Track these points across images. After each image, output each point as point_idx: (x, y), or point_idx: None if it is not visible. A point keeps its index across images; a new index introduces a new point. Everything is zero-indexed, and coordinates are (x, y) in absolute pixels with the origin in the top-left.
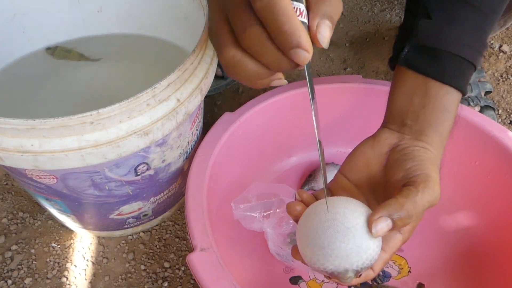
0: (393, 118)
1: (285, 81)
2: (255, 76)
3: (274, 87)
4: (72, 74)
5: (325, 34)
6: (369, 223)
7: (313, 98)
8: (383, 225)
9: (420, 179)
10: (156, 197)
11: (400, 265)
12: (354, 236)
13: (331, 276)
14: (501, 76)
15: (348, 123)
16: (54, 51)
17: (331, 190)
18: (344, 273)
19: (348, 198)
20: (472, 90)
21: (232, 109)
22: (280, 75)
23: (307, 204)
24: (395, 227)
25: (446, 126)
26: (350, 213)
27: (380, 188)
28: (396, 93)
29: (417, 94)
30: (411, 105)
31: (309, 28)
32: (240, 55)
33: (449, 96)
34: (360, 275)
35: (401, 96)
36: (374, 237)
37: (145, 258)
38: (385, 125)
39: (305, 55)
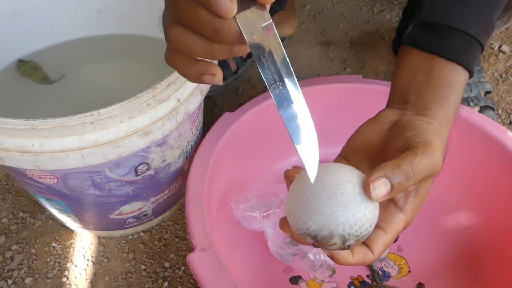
0: (395, 97)
1: (219, 80)
2: (206, 52)
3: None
4: (71, 74)
5: None
6: (366, 186)
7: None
8: (381, 187)
9: (419, 144)
10: (156, 197)
11: (400, 265)
12: (342, 193)
13: (315, 241)
14: (501, 76)
15: (348, 123)
16: (23, 64)
17: None
18: (328, 238)
19: (345, 165)
20: (471, 90)
21: (232, 109)
22: (213, 69)
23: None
24: (393, 190)
25: (452, 103)
26: (343, 173)
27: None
28: (399, 72)
29: (421, 71)
30: (414, 82)
31: None
32: (182, 32)
33: (454, 73)
34: (348, 246)
35: (403, 75)
36: (374, 201)
37: (145, 258)
38: (387, 105)
39: (226, 3)
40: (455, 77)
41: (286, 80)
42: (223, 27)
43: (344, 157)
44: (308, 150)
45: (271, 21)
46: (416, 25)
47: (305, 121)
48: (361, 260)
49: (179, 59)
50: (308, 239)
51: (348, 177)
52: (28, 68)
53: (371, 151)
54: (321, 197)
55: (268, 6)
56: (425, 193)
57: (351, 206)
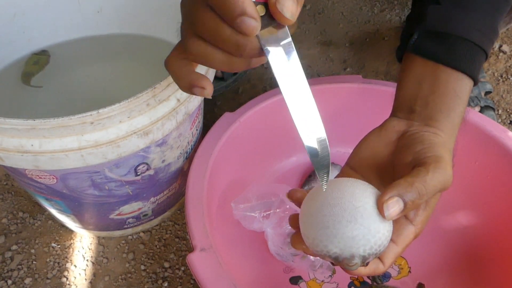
0: (401, 106)
1: (208, 94)
2: (225, 65)
3: (276, 87)
4: (71, 74)
5: (285, 3)
6: (379, 205)
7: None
8: (395, 206)
9: (430, 160)
10: (156, 197)
11: (400, 265)
12: (362, 216)
13: (335, 262)
14: (501, 76)
15: (348, 123)
16: (38, 54)
17: None
18: (349, 259)
19: (357, 179)
20: (472, 90)
21: (232, 109)
22: (203, 83)
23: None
24: (406, 208)
25: (458, 112)
26: (359, 192)
27: (389, 177)
28: (404, 81)
29: (426, 80)
30: (420, 91)
31: (269, 4)
32: (203, 46)
33: (460, 82)
34: (367, 264)
35: (409, 83)
36: (387, 219)
37: (145, 258)
38: (393, 114)
39: (251, 22)
40: (461, 86)
41: (304, 98)
42: (246, 44)
43: (351, 168)
44: (321, 160)
45: (290, 38)
46: (421, 33)
47: (320, 134)
48: (373, 272)
49: (175, 66)
50: (328, 259)
51: (365, 197)
52: (33, 58)
53: (379, 162)
54: (341, 221)
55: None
56: (434, 204)
57: (371, 228)
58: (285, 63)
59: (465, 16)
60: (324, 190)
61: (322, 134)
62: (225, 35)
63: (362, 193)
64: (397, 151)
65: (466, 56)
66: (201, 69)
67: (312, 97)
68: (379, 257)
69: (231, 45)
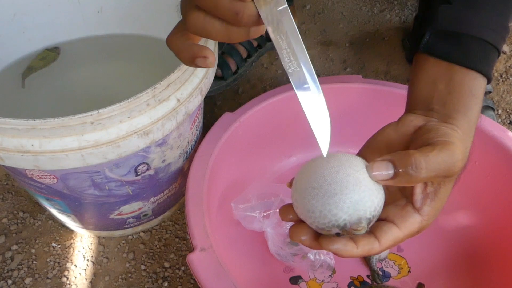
0: (417, 105)
1: (211, 63)
2: (224, 35)
3: (276, 87)
4: (71, 74)
5: None
6: (369, 165)
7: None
8: (381, 169)
9: (439, 142)
10: (156, 197)
11: (400, 265)
12: (365, 179)
13: (342, 231)
14: (501, 76)
15: (348, 123)
16: (49, 49)
17: None
18: (357, 224)
19: (345, 153)
20: None
21: (232, 109)
22: (204, 52)
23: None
24: (398, 177)
25: (474, 112)
26: (355, 161)
27: None
28: (418, 81)
29: (441, 80)
30: (436, 91)
31: None
32: (202, 16)
33: (475, 81)
34: (370, 228)
35: (423, 84)
36: (373, 179)
37: (145, 258)
38: (409, 111)
39: None
40: (476, 85)
41: (301, 59)
42: (243, 10)
43: (364, 157)
44: (321, 125)
45: (286, 5)
46: (433, 34)
47: (319, 97)
48: (367, 251)
49: (177, 42)
50: (334, 230)
51: (361, 161)
52: (43, 53)
53: (393, 153)
54: (347, 186)
55: None
56: (444, 197)
57: (373, 189)
58: (282, 28)
59: (477, 15)
60: (320, 161)
61: (319, 93)
62: (223, 3)
63: (357, 161)
64: (412, 142)
65: (480, 55)
66: (201, 70)
67: (310, 61)
68: (376, 235)
69: (229, 12)
